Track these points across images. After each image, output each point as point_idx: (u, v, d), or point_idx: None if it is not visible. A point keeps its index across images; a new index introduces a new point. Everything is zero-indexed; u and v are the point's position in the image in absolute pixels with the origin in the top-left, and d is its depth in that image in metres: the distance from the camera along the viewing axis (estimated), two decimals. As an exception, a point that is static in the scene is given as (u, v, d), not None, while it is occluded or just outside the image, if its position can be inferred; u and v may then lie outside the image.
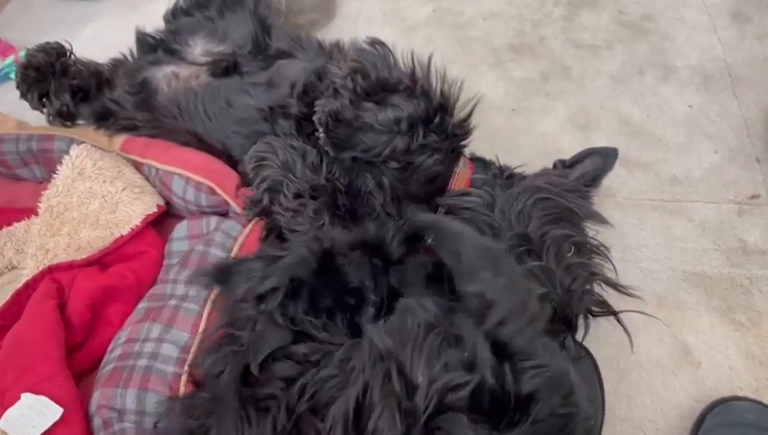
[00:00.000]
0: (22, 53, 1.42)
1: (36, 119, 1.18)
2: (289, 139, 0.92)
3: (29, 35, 1.47)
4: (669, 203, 1.10)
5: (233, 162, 1.04)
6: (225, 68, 1.10)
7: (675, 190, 1.11)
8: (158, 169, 1.05)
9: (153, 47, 1.16)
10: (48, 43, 1.16)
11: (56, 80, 1.14)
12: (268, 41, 1.12)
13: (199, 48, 1.14)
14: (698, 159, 1.15)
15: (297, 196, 0.88)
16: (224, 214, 1.04)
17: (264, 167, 0.90)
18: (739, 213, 1.07)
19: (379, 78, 0.88)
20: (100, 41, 1.13)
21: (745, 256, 1.02)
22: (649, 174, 1.14)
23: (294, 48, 1.10)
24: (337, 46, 1.10)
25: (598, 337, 0.93)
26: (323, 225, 0.86)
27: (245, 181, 0.99)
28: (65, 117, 1.15)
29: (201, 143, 1.07)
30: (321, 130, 0.87)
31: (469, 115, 0.93)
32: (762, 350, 0.92)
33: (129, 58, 1.18)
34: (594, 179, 0.99)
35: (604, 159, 1.01)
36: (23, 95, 1.16)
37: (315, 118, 0.88)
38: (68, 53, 1.17)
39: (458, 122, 0.93)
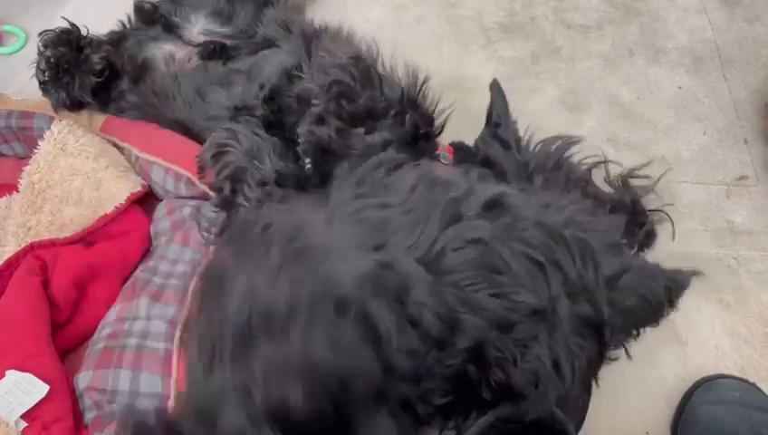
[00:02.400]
0: (4, 27, 1.39)
1: (18, 92, 1.16)
2: (252, 127, 0.89)
3: (11, 9, 1.43)
4: (658, 184, 1.10)
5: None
6: (213, 50, 1.08)
7: (663, 171, 1.11)
8: (138, 156, 1.03)
9: (153, 19, 1.13)
10: (64, 31, 1.09)
11: (79, 74, 1.06)
12: (260, 24, 1.09)
13: (199, 26, 1.11)
14: (687, 140, 1.15)
15: (262, 184, 0.83)
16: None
17: (225, 153, 0.86)
18: (727, 194, 1.08)
19: (366, 105, 0.83)
20: (83, 16, 1.10)
21: (733, 236, 1.03)
22: (638, 155, 1.14)
23: (280, 35, 1.07)
24: (317, 33, 1.07)
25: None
26: None
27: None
28: (75, 107, 1.10)
29: (184, 130, 1.04)
30: (308, 161, 0.82)
31: (440, 132, 0.91)
32: (748, 329, 0.93)
33: (127, 26, 1.15)
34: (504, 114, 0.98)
35: (498, 93, 1.01)
36: (46, 93, 1.09)
37: (300, 148, 0.83)
38: (85, 39, 1.10)
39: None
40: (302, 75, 0.89)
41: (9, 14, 1.42)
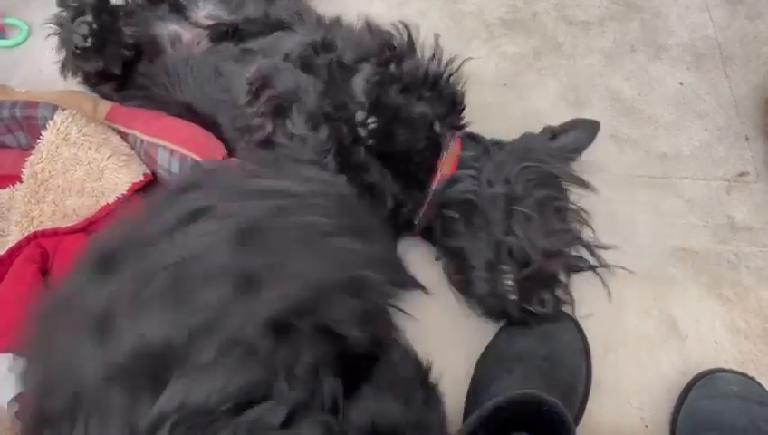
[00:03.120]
0: (7, 20, 1.39)
1: (21, 84, 1.16)
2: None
3: (14, 2, 1.43)
4: (659, 180, 1.10)
5: (220, 132, 1.02)
6: (225, 33, 1.08)
7: (664, 167, 1.12)
8: (143, 141, 1.03)
9: None
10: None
11: (113, 46, 1.04)
12: (270, 10, 1.10)
13: (206, 11, 1.11)
14: (688, 136, 1.16)
15: (310, 118, 0.81)
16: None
17: (268, 87, 0.83)
18: (727, 190, 1.08)
19: (417, 71, 0.87)
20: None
21: (733, 232, 1.03)
22: (639, 151, 1.14)
23: (293, 20, 1.08)
24: (337, 22, 1.08)
25: (586, 310, 0.93)
26: (329, 151, 0.81)
27: (231, 146, 0.97)
28: (103, 79, 1.09)
29: (191, 114, 1.04)
30: (371, 120, 0.84)
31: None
32: (747, 324, 0.93)
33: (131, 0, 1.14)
34: (576, 150, 1.04)
35: (588, 132, 1.06)
36: (82, 60, 1.04)
37: (363, 104, 0.84)
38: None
39: None
40: (336, 45, 0.91)
41: (12, 7, 1.42)
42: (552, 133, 1.02)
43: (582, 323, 0.90)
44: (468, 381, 0.87)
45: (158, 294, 0.54)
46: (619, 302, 0.96)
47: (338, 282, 0.59)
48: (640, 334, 0.93)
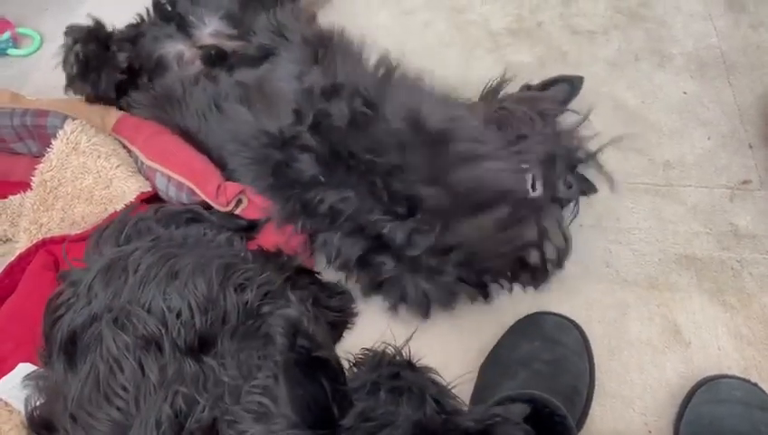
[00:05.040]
0: (20, 29, 1.42)
1: (33, 93, 1.18)
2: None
3: (26, 11, 1.46)
4: (662, 187, 1.10)
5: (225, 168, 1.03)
6: (216, 56, 1.10)
7: (668, 175, 1.12)
8: (143, 162, 1.04)
9: (169, 18, 1.15)
10: (93, 28, 1.11)
11: (106, 71, 1.08)
12: (253, 33, 1.11)
13: (211, 28, 1.14)
14: (692, 144, 1.16)
15: None
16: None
17: None
18: (731, 198, 1.08)
19: None
20: (97, 16, 1.13)
21: (736, 239, 1.03)
22: (643, 158, 1.15)
23: (277, 43, 1.08)
24: (322, 40, 1.08)
25: (590, 316, 0.94)
26: None
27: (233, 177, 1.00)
28: (97, 101, 1.13)
29: (190, 139, 1.05)
30: None
31: None
32: (750, 330, 0.93)
33: (146, 19, 1.17)
34: (563, 102, 1.10)
35: (571, 86, 1.11)
36: (72, 86, 1.10)
37: None
38: (111, 36, 1.13)
39: None
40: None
41: (25, 17, 1.45)
42: (530, 88, 1.10)
43: (586, 329, 0.91)
44: (472, 386, 0.88)
45: None
46: (622, 308, 0.97)
47: None
48: (644, 340, 0.94)
